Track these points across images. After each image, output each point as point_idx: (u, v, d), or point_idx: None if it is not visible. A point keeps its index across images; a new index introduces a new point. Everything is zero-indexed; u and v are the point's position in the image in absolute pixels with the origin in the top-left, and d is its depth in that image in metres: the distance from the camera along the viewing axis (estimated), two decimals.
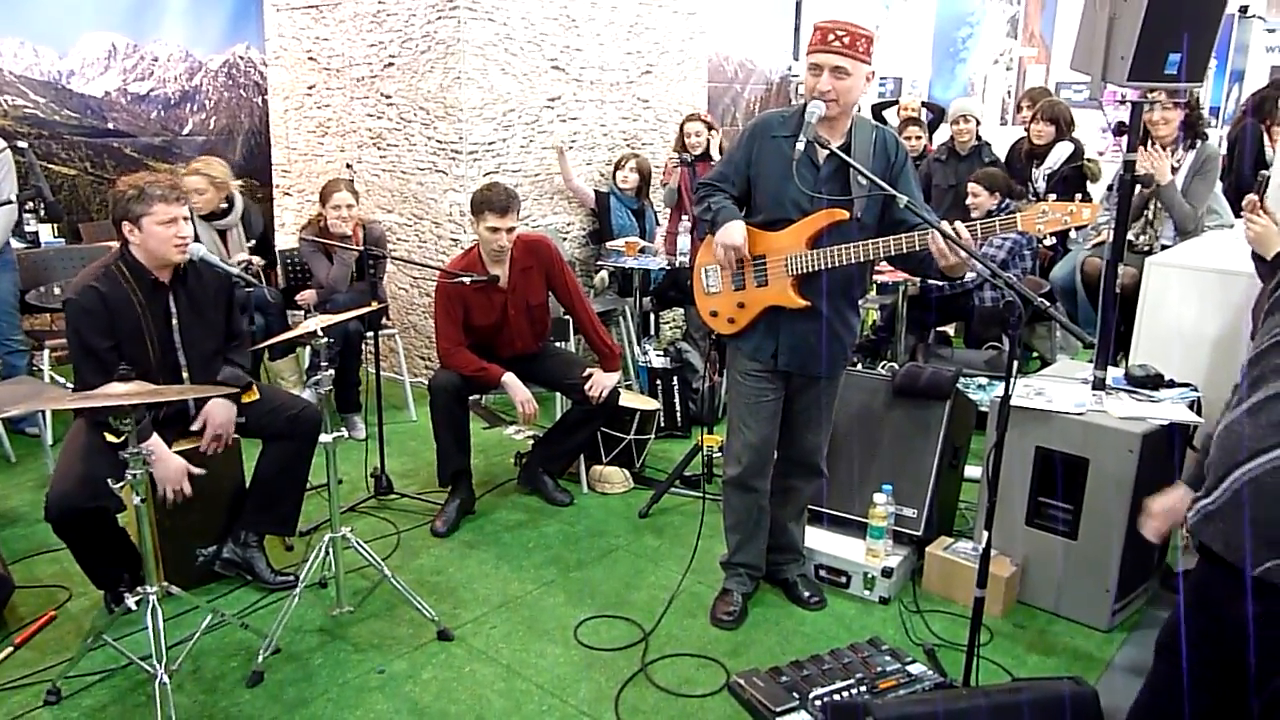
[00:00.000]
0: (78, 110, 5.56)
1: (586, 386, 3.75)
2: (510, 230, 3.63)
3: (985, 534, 2.31)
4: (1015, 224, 2.46)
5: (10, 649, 2.81)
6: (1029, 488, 3.09)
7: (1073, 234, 5.41)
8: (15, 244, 4.32)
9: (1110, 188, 4.62)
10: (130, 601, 2.50)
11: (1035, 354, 5.33)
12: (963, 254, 2.39)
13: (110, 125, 5.71)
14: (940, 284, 4.78)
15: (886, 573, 3.14)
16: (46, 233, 5.12)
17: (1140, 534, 2.89)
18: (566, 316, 4.10)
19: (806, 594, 3.15)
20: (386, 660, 2.81)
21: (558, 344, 4.30)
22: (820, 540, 3.32)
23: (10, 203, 4.06)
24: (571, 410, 3.91)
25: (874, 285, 4.91)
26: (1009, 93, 10.76)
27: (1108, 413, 2.98)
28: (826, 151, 2.62)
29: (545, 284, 3.84)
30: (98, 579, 2.93)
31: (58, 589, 3.15)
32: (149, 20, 5.77)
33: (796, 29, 8.93)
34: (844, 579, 3.23)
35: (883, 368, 4.45)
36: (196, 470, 2.88)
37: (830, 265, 2.65)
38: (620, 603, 3.16)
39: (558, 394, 4.14)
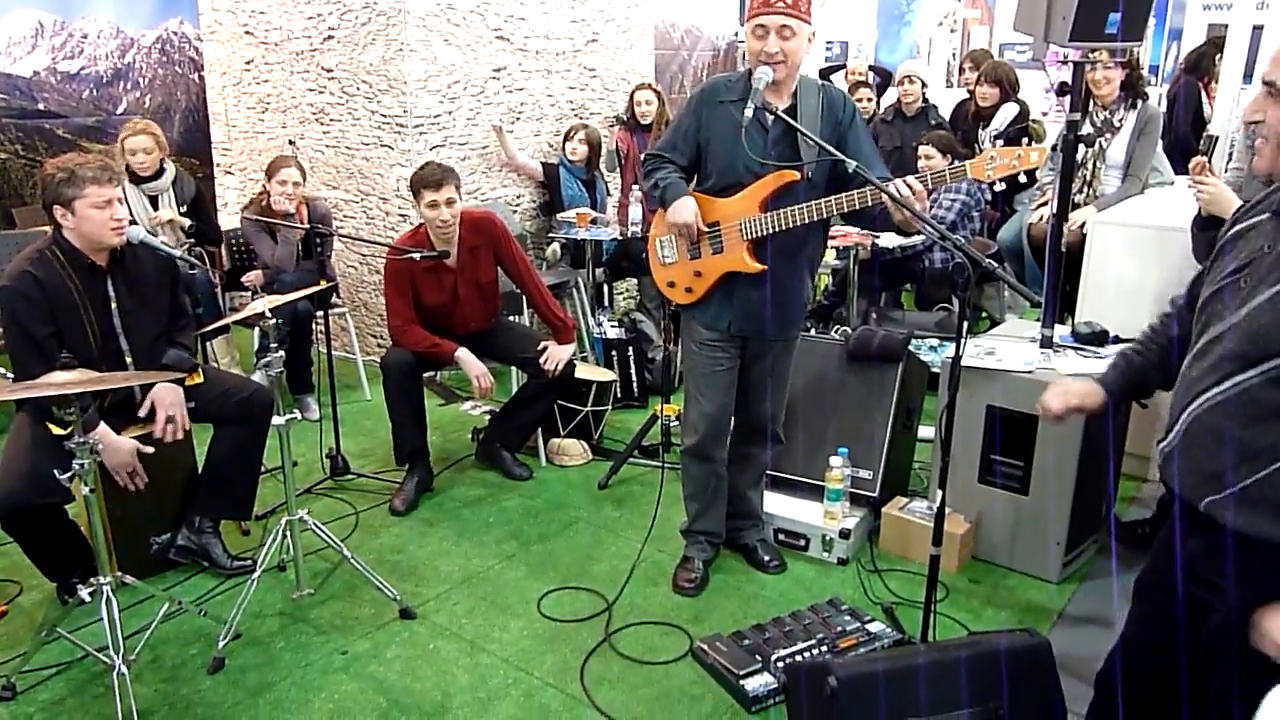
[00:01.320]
0: (6, 91, 5.36)
1: (542, 360, 3.74)
2: (450, 203, 3.58)
3: (939, 493, 2.35)
4: (965, 172, 2.48)
5: None
6: (980, 446, 3.15)
7: (1018, 196, 5.49)
8: None
9: (1054, 148, 4.68)
10: (84, 593, 2.46)
11: (985, 314, 5.42)
12: (915, 209, 2.42)
13: (40, 106, 5.52)
14: (890, 248, 4.82)
15: (844, 534, 3.19)
16: None
17: (1087, 488, 3.00)
18: (518, 290, 4.08)
19: (766, 558, 3.19)
20: (349, 641, 2.80)
21: (511, 318, 4.27)
22: (778, 504, 3.35)
23: None
24: (527, 384, 3.89)
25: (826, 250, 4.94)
26: (954, 55, 10.83)
27: (1056, 370, 3.04)
28: (774, 115, 2.62)
29: (494, 261, 3.81)
30: (49, 572, 2.88)
31: (8, 583, 3.08)
32: None
33: None
34: (802, 542, 3.27)
35: (836, 332, 4.49)
36: (146, 449, 2.83)
37: (784, 227, 2.65)
38: (582, 574, 3.17)
39: (513, 368, 4.12)
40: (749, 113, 2.51)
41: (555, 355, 3.76)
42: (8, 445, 2.80)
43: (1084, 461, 2.97)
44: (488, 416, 4.10)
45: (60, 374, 2.33)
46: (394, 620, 2.90)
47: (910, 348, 3.44)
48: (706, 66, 8.58)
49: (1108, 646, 1.98)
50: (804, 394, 3.44)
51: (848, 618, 2.78)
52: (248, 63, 5.58)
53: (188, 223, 4.50)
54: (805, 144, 2.63)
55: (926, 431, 3.81)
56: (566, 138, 5.39)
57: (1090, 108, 4.51)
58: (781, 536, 3.31)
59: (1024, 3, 3.05)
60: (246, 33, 5.53)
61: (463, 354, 3.67)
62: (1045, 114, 7.89)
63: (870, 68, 7.81)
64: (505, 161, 5.41)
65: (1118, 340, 3.26)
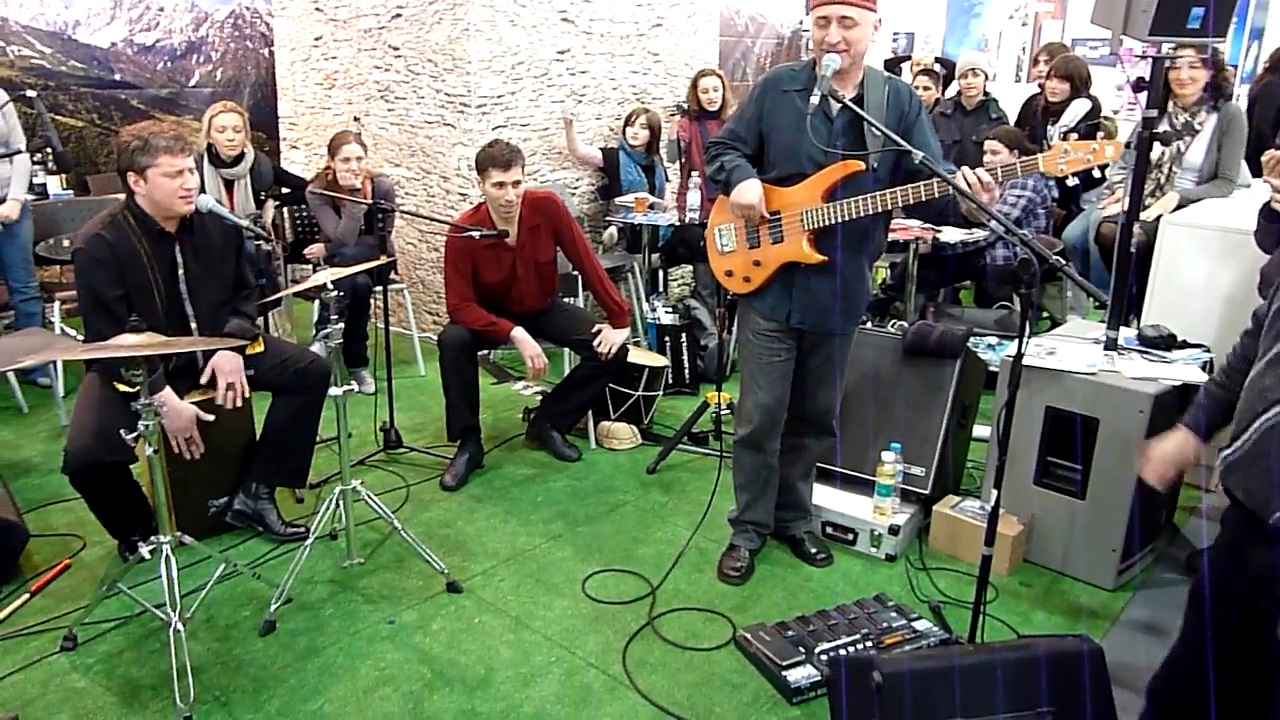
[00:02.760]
0: (84, 61, 5.51)
1: (595, 343, 3.75)
2: (516, 184, 3.60)
3: (994, 493, 2.31)
4: (1037, 165, 2.43)
5: (26, 596, 2.85)
6: (1038, 447, 3.09)
7: (1085, 194, 5.35)
8: (26, 194, 4.31)
9: (1128, 145, 4.56)
10: (144, 550, 2.52)
11: (1046, 314, 5.31)
12: (981, 201, 2.38)
13: (117, 76, 5.67)
14: (952, 243, 4.74)
15: (893, 530, 3.15)
16: (55, 185, 5.10)
17: (1148, 495, 2.92)
18: (575, 273, 4.09)
19: (813, 550, 3.17)
20: (396, 611, 2.84)
21: (566, 300, 4.29)
22: (828, 498, 3.33)
23: (21, 152, 4.06)
24: (580, 366, 3.91)
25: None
26: (1024, 49, 10.58)
27: (1119, 373, 2.97)
28: (839, 105, 2.58)
29: (553, 241, 3.82)
30: (112, 529, 2.96)
31: (72, 537, 3.18)
32: None
33: None
34: (851, 536, 3.24)
35: (892, 326, 4.43)
36: (206, 416, 2.90)
37: (846, 218, 2.62)
38: (627, 557, 3.18)
39: (566, 350, 4.14)
40: (814, 101, 2.48)
41: (609, 339, 3.76)
42: (78, 404, 2.88)
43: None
44: (539, 397, 4.12)
45: (129, 336, 2.39)
46: (441, 593, 2.94)
47: (969, 344, 3.38)
48: (770, 55, 8.51)
49: (1162, 656, 1.93)
50: (858, 387, 3.40)
51: (894, 614, 2.75)
52: (316, 39, 5.66)
53: (268, 216, 4.60)
54: (871, 135, 2.59)
55: (982, 430, 3.75)
56: (627, 122, 5.38)
57: (1170, 108, 4.38)
58: (830, 530, 3.28)
59: None
60: (316, 9, 5.60)
61: (518, 333, 3.69)
62: (1117, 111, 7.69)
63: (936, 59, 7.67)
64: (564, 146, 5.42)
65: (1185, 345, 3.17)
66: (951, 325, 3.55)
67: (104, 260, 2.77)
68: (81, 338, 2.98)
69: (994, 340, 4.53)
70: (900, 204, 2.59)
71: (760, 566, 3.13)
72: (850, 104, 2.53)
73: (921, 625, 2.70)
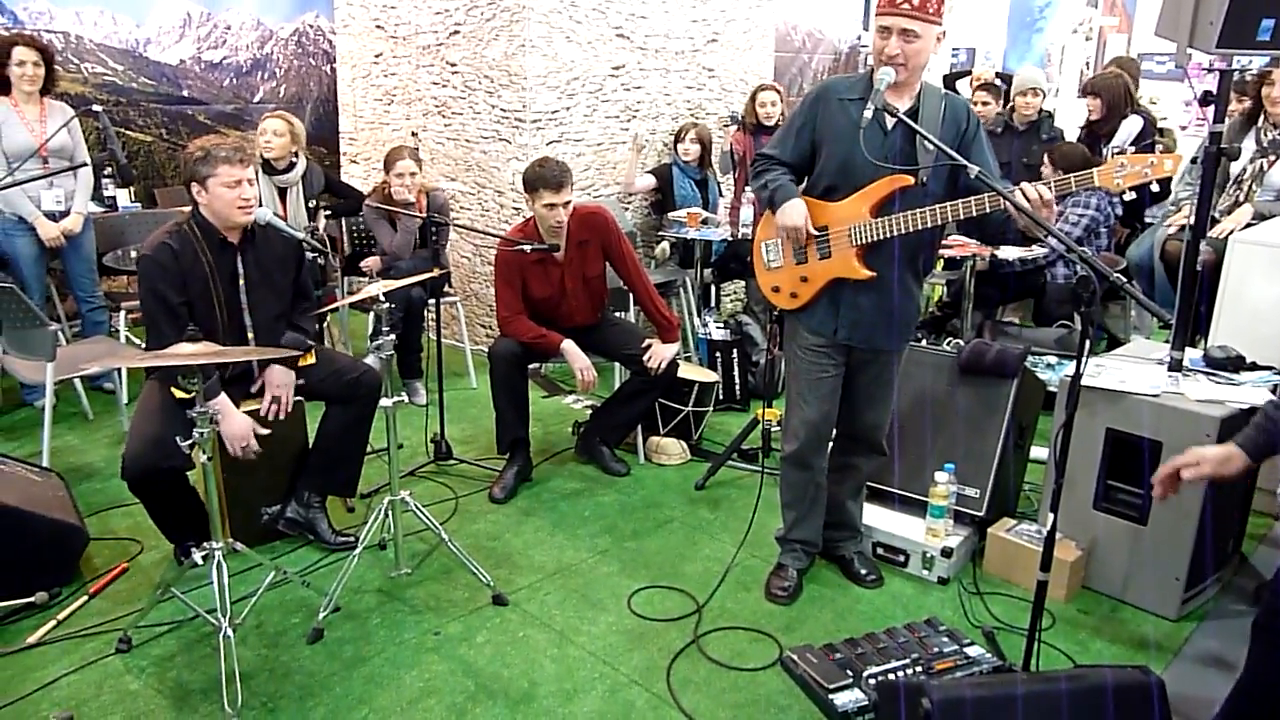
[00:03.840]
0: (154, 78, 5.68)
1: (645, 357, 3.74)
2: (566, 205, 3.61)
3: (1051, 516, 2.25)
4: (1092, 179, 2.36)
5: (85, 598, 2.91)
6: (1098, 470, 3.00)
7: (1149, 211, 5.21)
8: (93, 207, 4.45)
9: (1195, 160, 4.43)
10: (197, 556, 2.57)
11: (1106, 334, 5.17)
12: (1042, 219, 2.32)
13: (184, 92, 5.84)
14: (1010, 261, 4.65)
15: (946, 553, 3.08)
16: (123, 197, 5.26)
17: (1214, 521, 2.81)
18: (625, 288, 4.09)
19: (863, 571, 3.11)
20: (442, 623, 2.85)
21: (617, 314, 4.29)
22: (879, 518, 3.27)
23: (85, 165, 4.19)
24: (630, 381, 3.90)
25: (940, 260, 4.79)
26: (1087, 63, 10.38)
27: (1184, 395, 2.87)
28: (894, 118, 2.55)
29: (602, 256, 3.82)
30: (168, 533, 3.03)
31: (130, 542, 3.25)
32: None
33: None
34: (902, 558, 3.18)
35: (947, 344, 4.35)
36: (262, 430, 2.95)
37: (895, 233, 2.58)
38: (674, 574, 3.16)
39: (616, 364, 4.14)
40: (868, 113, 2.45)
41: (659, 353, 3.75)
42: (137, 411, 2.95)
43: (1211, 494, 2.79)
44: (589, 411, 4.12)
45: (187, 345, 2.45)
46: (486, 605, 2.94)
47: (1026, 364, 3.31)
48: (827, 70, 8.45)
49: (1227, 690, 1.85)
50: (911, 405, 3.34)
51: (945, 639, 2.69)
52: (376, 56, 5.77)
53: (320, 225, 4.69)
54: (924, 150, 2.55)
55: (1039, 452, 3.65)
56: (678, 138, 5.38)
57: (1260, 123, 4.24)
58: (880, 550, 3.22)
59: (1167, 6, 2.89)
60: (377, 27, 5.71)
61: (568, 345, 3.70)
62: (1184, 127, 7.49)
63: (997, 75, 7.55)
64: (621, 159, 5.44)
65: (1254, 367, 3.06)
66: (1008, 344, 3.48)
67: (168, 267, 2.84)
68: (145, 346, 3.06)
69: (1053, 360, 4.42)
70: (951, 219, 2.55)
71: (808, 586, 3.08)
72: (904, 118, 2.50)
73: (974, 651, 2.63)
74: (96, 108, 3.53)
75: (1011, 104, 5.84)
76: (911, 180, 2.56)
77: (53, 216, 4.21)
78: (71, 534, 3.00)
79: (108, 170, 5.05)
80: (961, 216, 2.52)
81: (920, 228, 2.55)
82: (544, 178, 3.58)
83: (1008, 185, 2.45)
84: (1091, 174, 2.37)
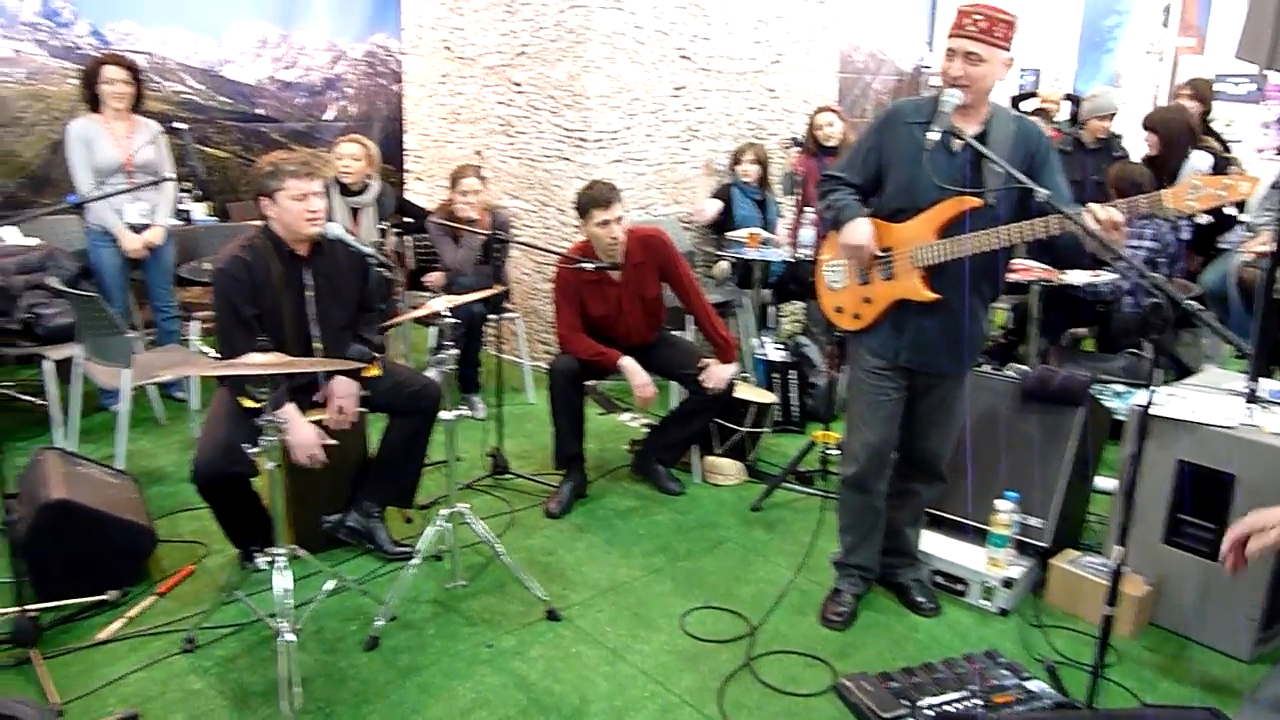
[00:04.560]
0: (231, 96, 5.87)
1: (703, 377, 3.74)
2: (619, 220, 3.64)
3: (1118, 549, 2.19)
4: (1162, 200, 2.30)
5: (153, 598, 3.00)
6: (1168, 503, 2.91)
7: (1222, 237, 5.06)
8: (171, 221, 4.60)
9: (1275, 185, 4.31)
10: (261, 561, 2.63)
11: (1176, 363, 5.02)
12: (1111, 241, 2.27)
13: (259, 111, 6.01)
14: (1080, 285, 4.55)
15: (1007, 583, 3.02)
16: (200, 211, 5.43)
17: None
18: (684, 308, 4.09)
19: (921, 599, 3.06)
20: (496, 636, 2.87)
21: (675, 333, 4.29)
22: (938, 545, 3.22)
23: (169, 180, 4.34)
24: (687, 400, 3.90)
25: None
26: (1158, 85, 10.16)
27: (1260, 427, 2.78)
28: (962, 141, 2.52)
29: (659, 278, 3.83)
30: (233, 538, 3.10)
31: (197, 544, 3.33)
32: (297, 10, 6.05)
33: (932, 18, 8.67)
34: (961, 587, 3.12)
35: (1010, 370, 4.27)
36: (329, 441, 3.00)
37: (960, 255, 2.55)
38: (728, 595, 3.14)
39: (673, 383, 4.14)
40: (933, 136, 2.44)
41: (716, 374, 3.74)
42: (207, 417, 3.04)
43: None
44: (645, 429, 4.13)
45: (258, 355, 2.51)
46: (540, 620, 2.96)
47: (1093, 391, 3.23)
48: (890, 92, 8.40)
49: None
50: (973, 431, 3.28)
51: (1005, 672, 2.63)
52: (443, 76, 5.88)
53: (387, 241, 4.80)
54: (992, 173, 2.52)
55: (1105, 483, 3.56)
56: (736, 160, 5.38)
57: None
58: (939, 579, 3.17)
59: (1248, 28, 2.83)
60: (445, 47, 5.83)
61: (627, 362, 3.71)
62: (1260, 150, 7.27)
63: (1066, 96, 7.43)
64: (681, 178, 5.46)
65: None
66: (1074, 370, 3.41)
67: (240, 280, 2.93)
68: (216, 355, 3.15)
69: (1120, 388, 4.31)
70: (1017, 240, 2.51)
71: (864, 613, 3.04)
72: (972, 141, 2.47)
73: (1035, 686, 2.57)
74: (181, 125, 3.65)
75: (1082, 123, 5.73)
76: (977, 202, 2.53)
77: (135, 229, 4.36)
78: (143, 535, 3.09)
79: (185, 185, 5.22)
80: (1026, 239, 2.49)
81: (985, 250, 2.52)
82: (593, 198, 3.62)
83: (1078, 208, 2.41)
84: (1163, 195, 2.31)
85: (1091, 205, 2.34)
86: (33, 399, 4.55)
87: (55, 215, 4.54)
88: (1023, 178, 2.37)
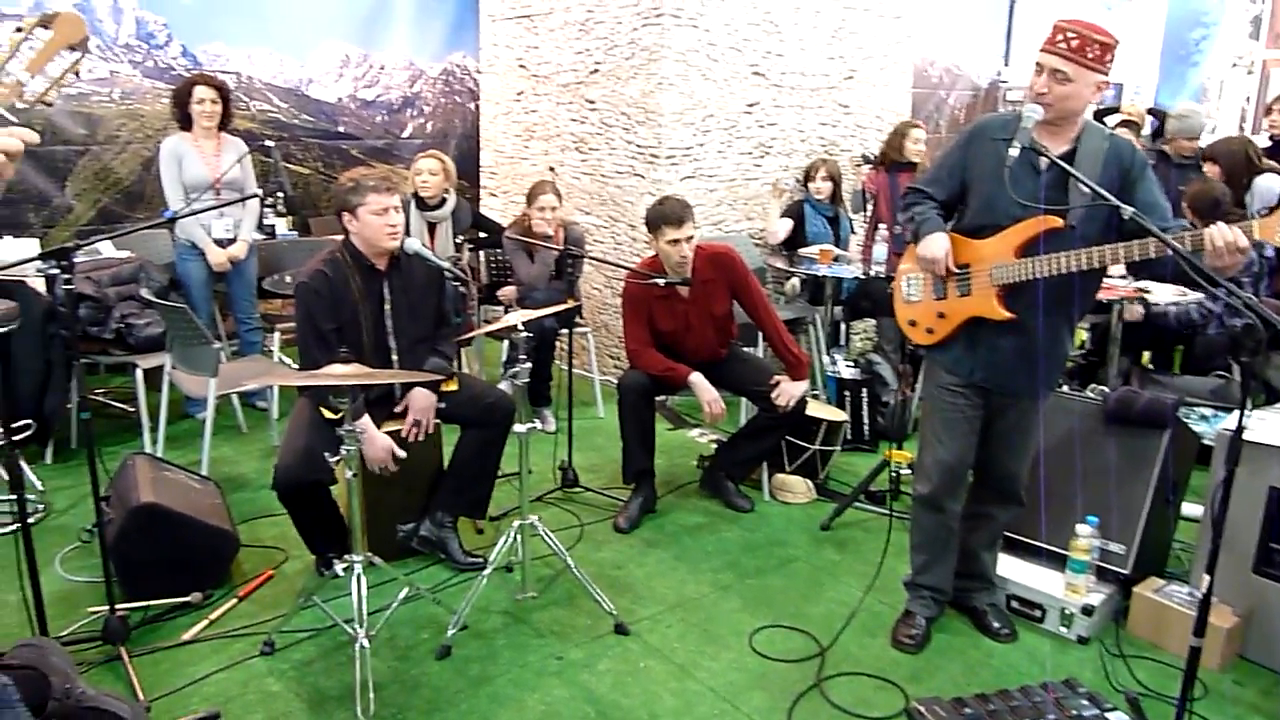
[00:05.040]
0: (313, 114, 6.05)
1: (774, 394, 3.72)
2: (689, 239, 3.64)
3: (1206, 578, 2.12)
4: (1252, 230, 2.22)
5: (235, 601, 3.08)
6: (1259, 532, 2.81)
7: None
8: (255, 235, 4.75)
9: None
10: (338, 568, 2.69)
11: (1265, 386, 4.83)
12: (1222, 257, 2.19)
13: (340, 128, 6.19)
14: (1164, 307, 4.41)
15: (1087, 610, 2.94)
16: (282, 225, 5.60)
17: None
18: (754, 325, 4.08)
19: (996, 624, 2.99)
20: (565, 648, 2.89)
21: (746, 349, 4.28)
22: (1014, 569, 3.14)
23: (254, 196, 4.49)
24: (757, 417, 3.88)
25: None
26: (1248, 98, 9.83)
27: None
28: (1048, 160, 2.47)
29: (729, 295, 3.82)
30: (311, 544, 3.18)
31: (276, 550, 3.42)
32: (378, 31, 6.22)
33: (1009, 32, 8.53)
34: (1038, 613, 3.04)
35: (1091, 390, 4.16)
36: (400, 453, 3.07)
37: (1039, 275, 2.50)
38: (797, 614, 3.11)
39: (743, 399, 4.13)
40: (1013, 152, 2.40)
41: (788, 391, 3.72)
42: (289, 427, 3.13)
43: None
44: (713, 445, 4.12)
45: (338, 367, 2.58)
46: (608, 634, 2.97)
47: (1179, 415, 3.13)
48: (965, 107, 8.28)
49: None
50: (1053, 454, 3.20)
51: (1085, 702, 2.55)
52: (518, 94, 5.98)
53: (463, 256, 4.90)
54: (1079, 194, 2.46)
55: (1191, 509, 3.45)
56: (809, 177, 5.36)
57: None
58: (1015, 604, 3.09)
59: None
60: (520, 66, 5.93)
61: (696, 378, 3.71)
62: None
63: (1149, 111, 7.23)
64: (753, 194, 5.46)
65: None
66: (1160, 393, 3.31)
67: (322, 293, 3.01)
68: (296, 366, 3.24)
69: (1208, 412, 4.17)
70: (1100, 264, 2.44)
71: (937, 636, 2.98)
72: (1056, 159, 2.43)
73: (1116, 717, 2.49)
74: (270, 143, 3.78)
75: (1168, 140, 5.57)
76: (1059, 223, 2.48)
77: (221, 243, 4.52)
78: (226, 540, 3.19)
79: (268, 201, 5.40)
80: (1108, 262, 2.42)
81: (1063, 270, 2.46)
82: (665, 215, 3.63)
83: (1183, 224, 2.32)
84: (1251, 225, 2.23)
85: (1220, 225, 2.24)
86: (124, 406, 4.74)
87: (150, 230, 4.74)
88: (1108, 195, 2.32)
